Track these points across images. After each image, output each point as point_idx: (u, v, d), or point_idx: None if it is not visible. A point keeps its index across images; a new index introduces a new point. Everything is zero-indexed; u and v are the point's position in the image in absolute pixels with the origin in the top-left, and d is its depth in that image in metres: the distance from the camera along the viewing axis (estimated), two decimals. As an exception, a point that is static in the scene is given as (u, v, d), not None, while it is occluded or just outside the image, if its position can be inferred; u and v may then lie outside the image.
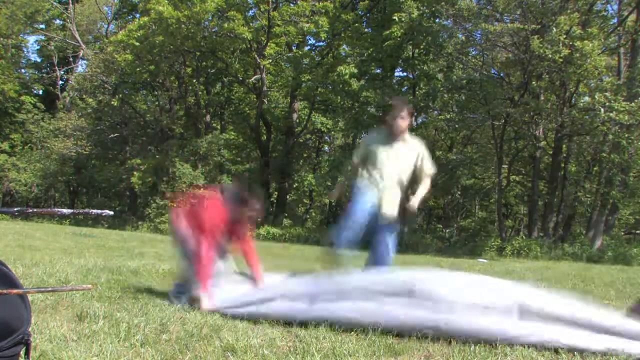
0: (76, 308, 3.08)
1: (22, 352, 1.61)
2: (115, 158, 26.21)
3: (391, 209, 4.03)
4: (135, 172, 20.52)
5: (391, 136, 4.10)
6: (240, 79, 22.74)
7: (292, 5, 20.80)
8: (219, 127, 24.95)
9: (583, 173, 19.59)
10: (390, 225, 4.04)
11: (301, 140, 24.84)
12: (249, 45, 20.72)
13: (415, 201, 4.03)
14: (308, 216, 27.01)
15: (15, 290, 1.55)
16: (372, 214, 3.97)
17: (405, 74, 21.31)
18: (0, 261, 1.66)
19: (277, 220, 21.78)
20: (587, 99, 16.45)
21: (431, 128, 22.00)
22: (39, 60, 32.93)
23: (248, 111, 25.10)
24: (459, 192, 21.46)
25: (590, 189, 18.52)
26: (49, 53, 30.89)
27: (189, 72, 23.12)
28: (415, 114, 20.63)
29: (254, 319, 3.12)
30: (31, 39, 40.43)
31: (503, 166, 18.82)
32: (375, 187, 4.02)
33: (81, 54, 30.39)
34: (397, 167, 4.08)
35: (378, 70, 21.45)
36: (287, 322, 3.11)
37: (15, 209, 1.69)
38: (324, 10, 19.67)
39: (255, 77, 21.89)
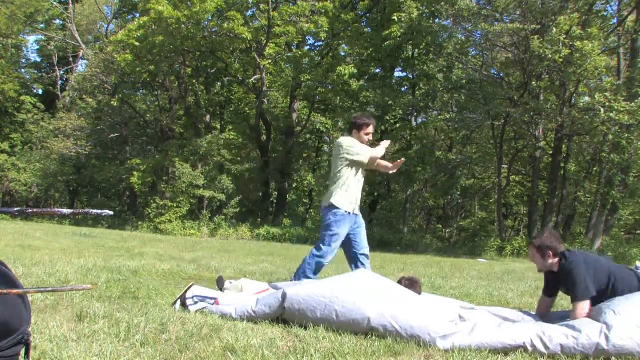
0: (76, 308, 3.08)
1: (22, 352, 1.61)
2: (115, 158, 26.18)
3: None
4: (135, 172, 20.48)
5: None
6: (240, 79, 22.72)
7: (292, 5, 20.77)
8: (219, 127, 24.92)
9: (583, 173, 19.59)
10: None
11: (301, 140, 24.82)
12: (248, 45, 20.71)
13: None
14: (308, 216, 26.98)
15: (15, 290, 1.55)
16: None
17: (405, 74, 21.32)
18: (0, 261, 1.66)
19: (277, 220, 21.77)
20: (587, 99, 16.45)
21: (431, 128, 21.99)
22: (39, 60, 32.96)
23: (248, 111, 25.07)
24: (459, 192, 21.42)
25: (590, 189, 18.52)
26: (49, 53, 30.89)
27: (189, 72, 23.09)
28: (415, 113, 20.65)
29: None
30: (31, 39, 40.41)
31: (503, 166, 18.81)
32: None
33: (81, 54, 30.39)
34: None
35: (378, 70, 21.45)
36: (287, 322, 3.11)
37: (15, 209, 1.69)
38: (324, 10, 19.66)
39: (255, 77, 21.87)
